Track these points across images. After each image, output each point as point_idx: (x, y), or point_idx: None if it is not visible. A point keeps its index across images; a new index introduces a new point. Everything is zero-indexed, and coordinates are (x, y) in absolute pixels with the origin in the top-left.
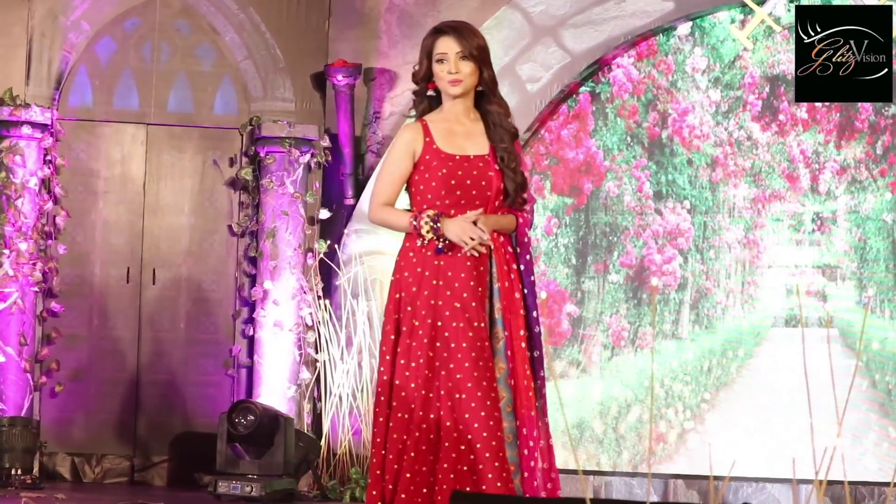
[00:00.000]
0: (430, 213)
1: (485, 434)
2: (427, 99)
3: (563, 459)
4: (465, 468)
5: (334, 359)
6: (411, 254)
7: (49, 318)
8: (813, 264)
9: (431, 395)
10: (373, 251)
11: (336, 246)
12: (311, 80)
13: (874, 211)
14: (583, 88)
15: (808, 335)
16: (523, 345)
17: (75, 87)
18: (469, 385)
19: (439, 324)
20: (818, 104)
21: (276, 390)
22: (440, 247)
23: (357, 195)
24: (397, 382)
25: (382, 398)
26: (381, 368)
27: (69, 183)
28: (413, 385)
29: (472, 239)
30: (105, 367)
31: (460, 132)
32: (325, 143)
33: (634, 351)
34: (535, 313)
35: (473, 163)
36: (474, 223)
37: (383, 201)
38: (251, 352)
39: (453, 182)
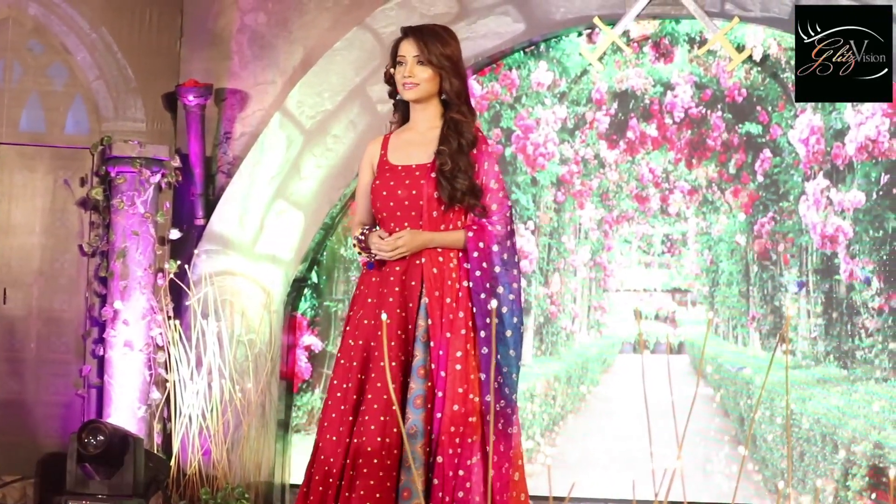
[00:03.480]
0: (362, 230)
1: (375, 461)
2: (403, 106)
3: None
4: (354, 496)
5: (184, 379)
6: (363, 272)
7: None
8: (663, 288)
9: (352, 418)
10: (223, 271)
11: (186, 266)
12: (162, 100)
13: (726, 233)
14: None
15: (656, 361)
16: (458, 367)
17: None
18: (375, 407)
19: (372, 343)
20: (668, 121)
21: (126, 410)
22: (370, 262)
23: (207, 215)
24: (329, 403)
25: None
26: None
27: None
28: (343, 407)
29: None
30: None
31: (417, 141)
32: (176, 163)
33: None
34: (482, 333)
35: (411, 172)
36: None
37: (357, 221)
38: (101, 372)
39: (385, 193)
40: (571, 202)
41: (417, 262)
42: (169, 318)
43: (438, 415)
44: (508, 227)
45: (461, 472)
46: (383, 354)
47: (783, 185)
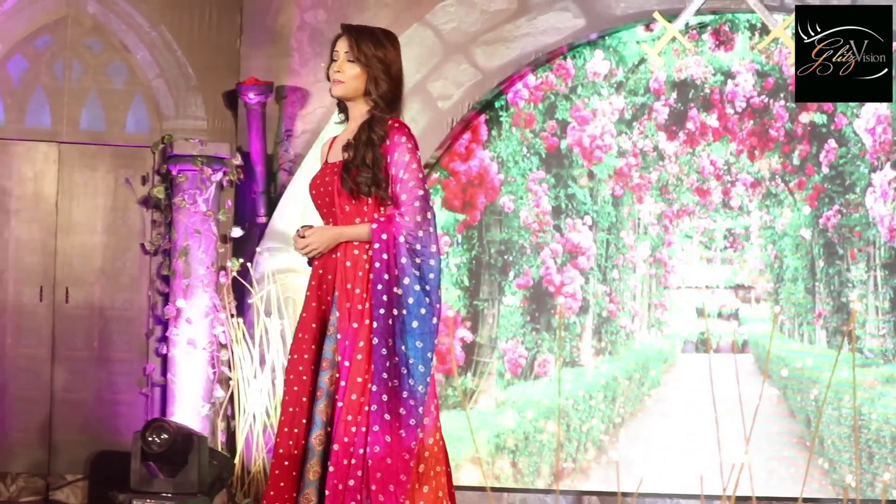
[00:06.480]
0: (297, 230)
1: (280, 450)
2: (342, 103)
3: (477, 479)
4: (271, 484)
5: (248, 377)
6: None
7: None
8: (725, 284)
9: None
10: (286, 269)
11: (249, 264)
12: (222, 98)
13: (791, 226)
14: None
15: (719, 360)
16: (360, 356)
17: None
18: (287, 398)
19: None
20: (729, 111)
21: (189, 409)
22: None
23: (269, 213)
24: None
25: None
26: None
27: None
28: (287, 398)
29: (298, 249)
30: (19, 386)
31: (343, 139)
32: (237, 161)
33: (533, 379)
34: (375, 324)
35: (332, 169)
36: (302, 235)
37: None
38: (165, 370)
39: (313, 192)
40: (630, 196)
41: (334, 256)
42: (232, 315)
43: (340, 404)
44: (419, 217)
45: (353, 461)
46: (297, 347)
47: (849, 177)
